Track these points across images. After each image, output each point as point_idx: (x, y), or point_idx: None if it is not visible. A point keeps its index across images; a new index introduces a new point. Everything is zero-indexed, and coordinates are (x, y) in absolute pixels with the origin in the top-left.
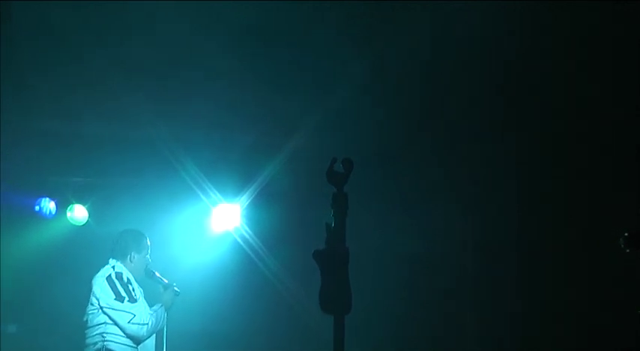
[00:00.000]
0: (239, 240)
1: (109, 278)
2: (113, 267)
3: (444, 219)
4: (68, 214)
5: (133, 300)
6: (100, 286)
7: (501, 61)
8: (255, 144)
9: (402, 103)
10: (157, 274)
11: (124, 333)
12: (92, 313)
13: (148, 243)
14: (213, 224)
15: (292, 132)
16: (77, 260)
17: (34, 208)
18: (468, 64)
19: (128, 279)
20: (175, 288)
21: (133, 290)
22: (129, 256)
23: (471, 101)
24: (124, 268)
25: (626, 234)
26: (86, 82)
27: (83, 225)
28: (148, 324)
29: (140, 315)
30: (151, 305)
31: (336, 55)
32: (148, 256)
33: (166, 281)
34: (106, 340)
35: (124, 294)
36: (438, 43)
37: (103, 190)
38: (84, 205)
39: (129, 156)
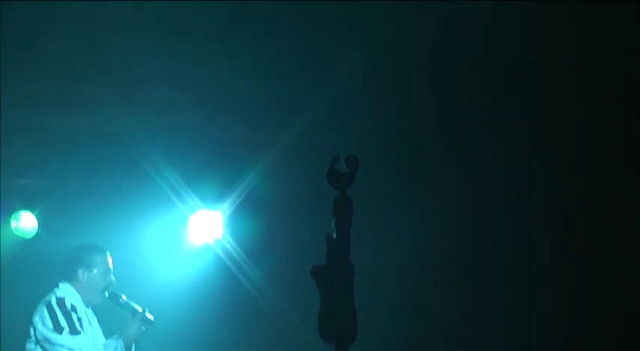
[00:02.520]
0: (220, 253)
1: (48, 305)
2: (55, 291)
3: (459, 220)
4: (13, 223)
5: (74, 331)
6: (38, 315)
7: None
8: (240, 140)
9: (413, 92)
10: (124, 298)
11: None
12: (29, 348)
13: (108, 259)
14: (191, 235)
15: (285, 126)
16: (23, 282)
17: None
18: (490, 48)
19: (72, 305)
20: (148, 315)
21: (79, 319)
22: (76, 276)
23: (493, 93)
24: (71, 291)
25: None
26: (37, 63)
27: (32, 237)
28: None
29: (80, 350)
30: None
31: (336, 36)
32: (106, 274)
33: (138, 308)
34: None
35: (63, 324)
36: (455, 21)
37: (56, 195)
38: (33, 212)
39: (88, 154)
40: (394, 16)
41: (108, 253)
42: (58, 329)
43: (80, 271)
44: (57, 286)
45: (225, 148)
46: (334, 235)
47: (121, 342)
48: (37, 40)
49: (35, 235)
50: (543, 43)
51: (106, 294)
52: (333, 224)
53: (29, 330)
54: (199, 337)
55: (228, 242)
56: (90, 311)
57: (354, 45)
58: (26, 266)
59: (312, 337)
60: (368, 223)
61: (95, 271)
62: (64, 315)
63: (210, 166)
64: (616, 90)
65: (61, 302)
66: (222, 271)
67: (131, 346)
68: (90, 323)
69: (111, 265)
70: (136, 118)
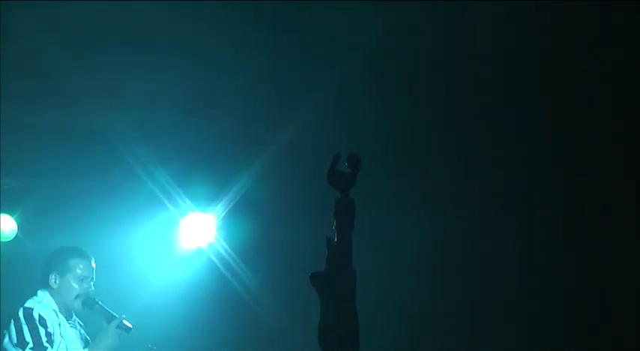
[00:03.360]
0: (214, 258)
1: (15, 317)
2: (27, 301)
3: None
4: None
5: (39, 347)
6: (8, 328)
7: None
8: (234, 138)
9: (417, 87)
10: (101, 304)
11: None
12: None
13: (90, 265)
14: (182, 239)
15: (282, 123)
16: (1, 289)
17: None
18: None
19: (41, 317)
20: (125, 322)
21: (48, 334)
22: (49, 282)
23: (502, 90)
24: (46, 300)
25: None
26: (12, 58)
27: (10, 241)
28: None
29: None
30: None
31: (336, 29)
32: (82, 281)
33: (116, 315)
34: None
35: (28, 338)
36: (462, 16)
37: (37, 196)
38: (12, 215)
39: (72, 152)
40: (399, 9)
41: (89, 259)
42: (22, 344)
43: (52, 277)
44: (35, 293)
45: (219, 147)
46: (335, 239)
47: None
48: (12, 34)
49: (14, 239)
50: (557, 40)
51: (84, 300)
52: (333, 227)
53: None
54: (191, 347)
55: (222, 246)
56: (66, 322)
57: (355, 37)
58: (5, 272)
59: (311, 347)
60: (369, 225)
61: (68, 276)
62: (30, 329)
63: (203, 166)
64: (632, 89)
65: (28, 314)
66: (215, 277)
67: None
68: (64, 337)
69: (92, 273)
70: (122, 115)
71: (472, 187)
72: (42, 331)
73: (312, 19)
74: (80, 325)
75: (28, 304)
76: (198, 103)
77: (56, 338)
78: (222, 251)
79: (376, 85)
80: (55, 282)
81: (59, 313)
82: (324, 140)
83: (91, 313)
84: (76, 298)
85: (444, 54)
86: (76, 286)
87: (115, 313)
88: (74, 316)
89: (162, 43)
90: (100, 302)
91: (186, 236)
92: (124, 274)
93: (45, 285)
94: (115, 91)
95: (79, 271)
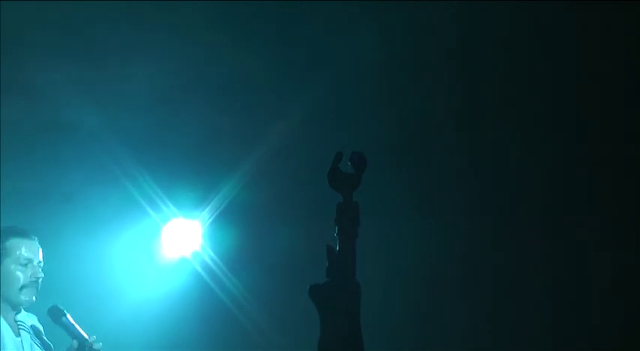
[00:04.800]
0: (199, 269)
1: None
2: None
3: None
4: None
5: None
6: None
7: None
8: (221, 136)
9: (426, 79)
10: (70, 318)
11: None
12: None
13: (32, 246)
14: (164, 248)
15: (275, 118)
16: None
17: None
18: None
19: None
20: (96, 346)
21: None
22: None
23: (518, 85)
24: None
25: None
26: None
27: None
28: None
29: None
30: None
31: (336, 14)
32: (27, 266)
33: (85, 335)
34: None
35: None
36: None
37: (4, 200)
38: None
39: (40, 151)
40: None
41: (32, 238)
42: None
43: None
44: None
45: (205, 146)
46: (337, 248)
47: None
48: None
49: None
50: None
51: (28, 292)
52: (335, 235)
53: None
54: None
55: (208, 256)
56: (8, 326)
57: (357, 22)
58: None
59: None
60: (371, 231)
61: (7, 261)
62: None
63: (188, 167)
64: None
65: None
66: (201, 289)
67: None
68: (4, 346)
69: (38, 254)
70: (95, 108)
71: (484, 190)
72: None
73: (312, 8)
74: (34, 329)
75: None
76: (183, 99)
77: None
78: (208, 261)
79: (381, 76)
80: None
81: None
82: (322, 137)
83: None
84: (22, 288)
85: (456, 42)
86: (19, 273)
87: (84, 334)
88: (23, 315)
89: (145, 35)
90: (67, 314)
91: (168, 245)
92: (99, 287)
93: None
94: (91, 83)
95: (19, 253)
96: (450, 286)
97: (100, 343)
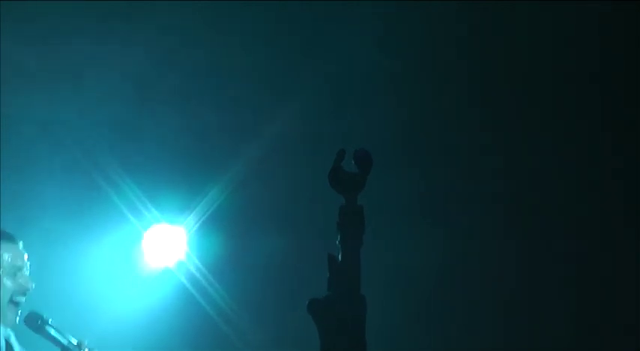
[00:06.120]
0: (184, 281)
1: None
2: None
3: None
4: None
5: None
6: None
7: None
8: (210, 132)
9: (436, 70)
10: (51, 325)
11: None
12: None
13: (18, 251)
14: (146, 257)
15: (269, 110)
16: None
17: None
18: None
19: None
20: None
21: None
22: None
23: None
24: None
25: None
26: None
27: None
28: None
29: None
30: None
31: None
32: (15, 274)
33: (73, 341)
34: None
35: None
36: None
37: None
38: None
39: (10, 149)
40: None
41: (17, 243)
42: None
43: None
44: None
45: (192, 143)
46: (340, 257)
47: None
48: None
49: None
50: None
51: (27, 316)
52: (337, 242)
53: None
54: None
55: (195, 266)
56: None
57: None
58: None
59: None
60: (377, 238)
61: None
62: None
63: (172, 168)
64: None
65: None
66: (186, 302)
67: None
68: None
69: (25, 261)
70: (69, 100)
71: (499, 192)
72: None
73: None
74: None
75: None
76: (168, 90)
77: None
78: (194, 271)
79: (386, 65)
80: None
81: None
82: (320, 133)
83: None
84: (10, 300)
85: (467, 30)
86: (8, 283)
87: (72, 339)
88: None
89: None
90: (50, 321)
91: (150, 253)
92: (73, 300)
93: None
94: (63, 73)
95: (8, 260)
96: (459, 294)
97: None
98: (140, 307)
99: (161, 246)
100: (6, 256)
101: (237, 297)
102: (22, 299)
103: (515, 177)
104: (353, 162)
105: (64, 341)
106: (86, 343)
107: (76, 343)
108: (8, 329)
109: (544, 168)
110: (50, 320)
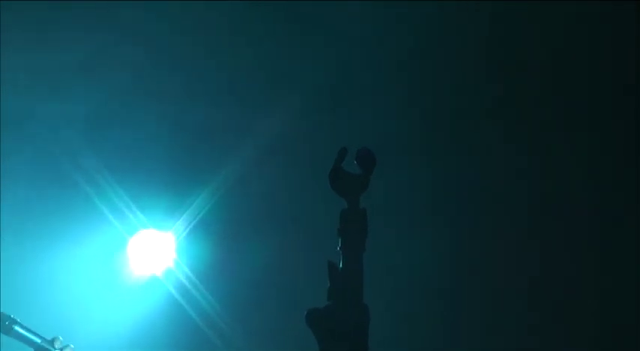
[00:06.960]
0: (172, 290)
1: None
2: None
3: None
4: None
5: None
6: None
7: None
8: (201, 131)
9: (441, 64)
10: (21, 326)
11: None
12: None
13: None
14: (131, 264)
15: (265, 108)
16: None
17: None
18: None
19: None
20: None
21: None
22: None
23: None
24: None
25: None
26: None
27: None
28: None
29: None
30: None
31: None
32: None
33: (46, 340)
34: None
35: None
36: None
37: None
38: None
39: None
40: None
41: None
42: None
43: None
44: None
45: (182, 143)
46: (340, 264)
47: None
48: None
49: None
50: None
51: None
52: (338, 248)
53: None
54: None
55: (183, 274)
56: None
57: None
58: None
59: None
60: (376, 242)
61: None
62: None
63: (160, 170)
64: None
65: None
66: (174, 313)
67: None
68: None
69: None
70: (54, 100)
71: (509, 193)
72: None
73: None
74: None
75: None
76: (156, 88)
77: None
78: (183, 279)
79: (388, 61)
80: None
81: None
82: (319, 132)
83: None
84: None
85: (467, 27)
86: None
87: (44, 339)
88: None
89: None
90: (19, 321)
91: (136, 261)
92: (56, 310)
93: None
94: (44, 71)
95: None
96: (464, 294)
97: (72, 345)
98: (124, 318)
99: (148, 253)
100: None
101: (230, 308)
102: None
103: (523, 176)
104: (355, 161)
105: (37, 339)
106: (61, 338)
107: (49, 340)
108: None
109: (552, 167)
110: (19, 320)
